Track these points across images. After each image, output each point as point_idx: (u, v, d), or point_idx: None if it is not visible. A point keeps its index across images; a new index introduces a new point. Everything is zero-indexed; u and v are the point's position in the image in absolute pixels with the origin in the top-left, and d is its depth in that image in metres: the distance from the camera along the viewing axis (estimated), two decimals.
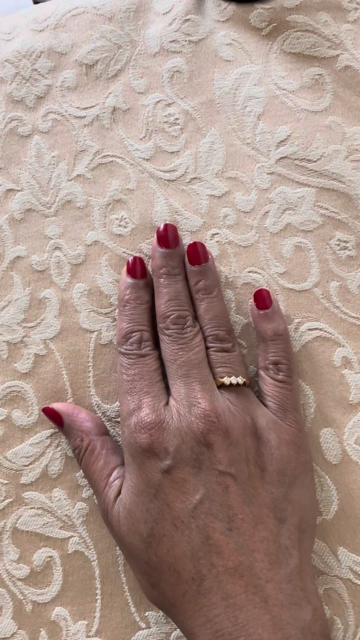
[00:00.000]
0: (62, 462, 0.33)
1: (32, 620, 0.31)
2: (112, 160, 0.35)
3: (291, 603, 0.25)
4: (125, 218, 0.35)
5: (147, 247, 0.34)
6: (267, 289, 0.33)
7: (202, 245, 0.32)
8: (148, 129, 0.35)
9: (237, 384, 0.29)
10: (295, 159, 0.34)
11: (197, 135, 0.35)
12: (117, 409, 0.33)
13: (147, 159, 0.35)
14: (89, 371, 0.33)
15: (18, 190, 0.36)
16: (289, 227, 0.34)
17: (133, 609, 0.31)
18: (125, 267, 0.33)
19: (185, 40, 0.36)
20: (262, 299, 0.32)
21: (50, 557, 0.32)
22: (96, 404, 0.33)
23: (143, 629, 0.31)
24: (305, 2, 0.35)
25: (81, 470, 0.32)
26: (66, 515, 0.32)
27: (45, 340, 0.34)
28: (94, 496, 0.32)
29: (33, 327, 0.34)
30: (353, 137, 0.34)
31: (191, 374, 0.29)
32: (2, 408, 0.34)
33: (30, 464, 0.33)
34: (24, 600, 0.32)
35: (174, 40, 0.36)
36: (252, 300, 0.32)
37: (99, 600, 0.31)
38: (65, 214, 0.35)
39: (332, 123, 0.34)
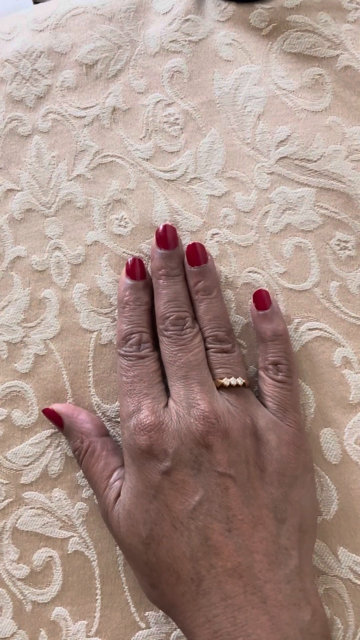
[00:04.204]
0: (62, 462, 0.33)
1: (32, 620, 0.31)
2: (112, 160, 0.35)
3: (290, 603, 0.25)
4: (125, 218, 0.35)
5: (147, 247, 0.34)
6: (267, 289, 0.33)
7: (202, 246, 0.32)
8: (148, 129, 0.35)
9: (237, 385, 0.29)
10: (295, 159, 0.34)
11: (197, 135, 0.35)
12: (117, 409, 0.33)
13: (147, 159, 0.35)
14: (89, 371, 0.33)
15: (18, 190, 0.36)
16: (289, 227, 0.33)
17: (133, 609, 0.31)
18: (124, 268, 0.33)
19: (185, 40, 0.36)
20: (262, 299, 0.32)
21: (50, 557, 0.32)
22: (96, 404, 0.33)
23: (143, 629, 0.31)
24: (305, 2, 0.35)
25: (81, 471, 0.32)
26: (66, 515, 0.32)
27: (45, 340, 0.34)
28: (94, 496, 0.32)
29: (33, 327, 0.34)
30: (353, 137, 0.34)
31: (190, 375, 0.29)
32: (2, 408, 0.34)
33: (30, 464, 0.33)
34: (24, 600, 0.32)
35: (174, 40, 0.36)
36: (251, 300, 0.32)
37: (99, 600, 0.31)
38: (65, 214, 0.35)
39: (332, 123, 0.34)
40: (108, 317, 0.34)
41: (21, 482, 0.33)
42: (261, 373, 0.31)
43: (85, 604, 0.31)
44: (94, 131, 0.36)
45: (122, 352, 0.31)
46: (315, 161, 0.34)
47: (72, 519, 0.32)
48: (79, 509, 0.32)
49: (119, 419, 0.33)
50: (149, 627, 0.31)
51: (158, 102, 0.36)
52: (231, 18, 0.36)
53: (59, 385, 0.34)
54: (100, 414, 0.33)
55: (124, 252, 0.34)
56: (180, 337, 0.30)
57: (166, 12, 0.37)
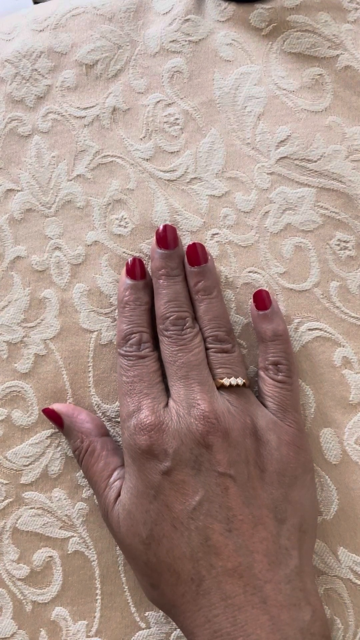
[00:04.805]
0: (62, 462, 0.33)
1: (32, 620, 0.31)
2: (112, 160, 0.35)
3: (290, 604, 0.25)
4: (125, 218, 0.35)
5: (147, 247, 0.34)
6: (267, 289, 0.33)
7: (202, 246, 0.32)
8: (148, 129, 0.35)
9: (237, 385, 0.29)
10: (295, 159, 0.34)
11: (197, 135, 0.35)
12: (117, 409, 0.33)
13: (147, 159, 0.35)
14: (89, 371, 0.33)
15: (18, 190, 0.36)
16: (289, 227, 0.33)
17: (133, 609, 0.31)
18: (124, 268, 0.33)
19: (185, 40, 0.36)
20: (262, 299, 0.32)
21: (50, 557, 0.32)
22: (96, 404, 0.33)
23: (143, 629, 0.31)
24: (305, 2, 0.35)
25: (81, 471, 0.32)
26: (66, 515, 0.32)
27: (45, 340, 0.34)
28: (94, 496, 0.32)
29: (33, 327, 0.34)
30: (353, 137, 0.34)
31: (190, 375, 0.29)
32: (2, 408, 0.34)
33: (30, 464, 0.33)
34: (24, 600, 0.32)
35: (174, 40, 0.36)
36: (251, 300, 0.32)
37: (99, 600, 0.31)
38: (65, 214, 0.35)
39: (332, 123, 0.34)
40: (108, 317, 0.34)
41: (21, 482, 0.33)
42: (261, 373, 0.31)
43: (85, 604, 0.31)
44: (94, 131, 0.36)
45: (122, 352, 0.31)
46: (315, 161, 0.34)
47: (72, 519, 0.32)
48: (79, 509, 0.32)
49: (119, 419, 0.33)
50: (149, 627, 0.31)
51: (158, 102, 0.36)
52: (231, 18, 0.36)
53: (59, 385, 0.34)
54: (100, 414, 0.33)
55: (124, 252, 0.34)
56: (180, 337, 0.30)
57: (166, 12, 0.37)
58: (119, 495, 0.29)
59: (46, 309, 0.34)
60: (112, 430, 0.33)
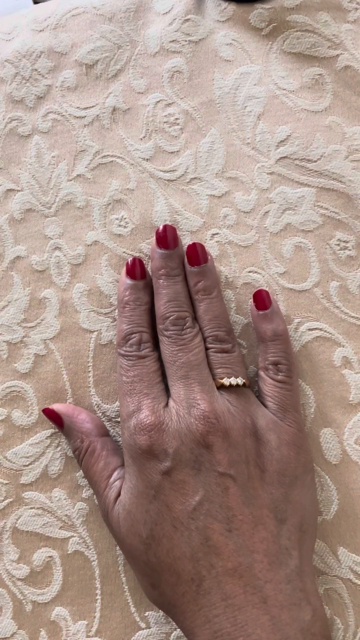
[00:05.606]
0: (62, 462, 0.33)
1: (32, 620, 0.31)
2: (112, 160, 0.35)
3: (290, 603, 0.25)
4: (125, 218, 0.35)
5: (147, 247, 0.34)
6: (267, 289, 0.33)
7: (202, 246, 0.32)
8: (148, 129, 0.35)
9: (237, 385, 0.29)
10: (295, 159, 0.34)
11: (197, 135, 0.35)
12: (117, 409, 0.33)
13: (147, 159, 0.35)
14: (89, 371, 0.33)
15: (18, 190, 0.36)
16: (289, 227, 0.34)
17: (133, 609, 0.31)
18: (124, 268, 0.33)
19: (185, 40, 0.36)
20: (262, 299, 0.32)
21: (50, 557, 0.32)
22: (96, 404, 0.33)
23: (143, 629, 0.31)
24: (305, 2, 0.35)
25: (81, 471, 0.32)
26: (66, 515, 0.32)
27: (45, 340, 0.34)
28: (94, 496, 0.32)
29: (33, 327, 0.34)
30: (353, 137, 0.34)
31: (190, 375, 0.29)
32: (2, 408, 0.34)
33: (30, 464, 0.33)
34: (24, 600, 0.32)
35: (174, 40, 0.36)
36: (251, 300, 0.32)
37: (99, 600, 0.31)
38: (65, 214, 0.35)
39: (332, 123, 0.34)
40: (108, 317, 0.34)
41: (21, 482, 0.33)
42: (261, 373, 0.31)
43: (85, 604, 0.31)
44: (94, 131, 0.36)
45: (122, 352, 0.31)
46: (315, 161, 0.34)
47: (72, 519, 0.32)
48: (79, 509, 0.32)
49: (119, 419, 0.33)
50: (149, 627, 0.31)
51: (158, 102, 0.36)
52: (231, 18, 0.36)
53: (59, 385, 0.34)
54: (100, 414, 0.33)
55: (124, 252, 0.34)
56: (180, 337, 0.30)
57: (166, 12, 0.37)
58: (119, 495, 0.29)
59: (46, 309, 0.34)
60: (112, 430, 0.33)
